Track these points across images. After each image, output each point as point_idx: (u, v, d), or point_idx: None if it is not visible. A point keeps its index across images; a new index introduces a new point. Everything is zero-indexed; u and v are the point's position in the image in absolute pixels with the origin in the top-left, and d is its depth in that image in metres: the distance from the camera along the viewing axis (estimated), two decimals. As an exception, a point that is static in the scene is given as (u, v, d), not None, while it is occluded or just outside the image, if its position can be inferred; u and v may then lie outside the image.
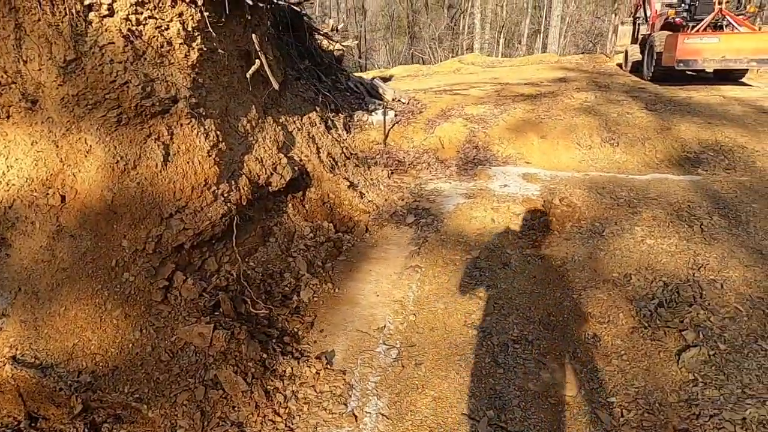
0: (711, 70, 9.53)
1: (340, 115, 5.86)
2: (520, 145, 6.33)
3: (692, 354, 2.83)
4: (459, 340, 3.07)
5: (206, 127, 3.37)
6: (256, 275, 3.38)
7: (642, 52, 11.05)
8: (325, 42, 7.40)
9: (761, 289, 3.41)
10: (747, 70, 9.53)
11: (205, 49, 3.41)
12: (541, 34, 35.05)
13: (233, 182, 3.49)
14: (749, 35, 8.68)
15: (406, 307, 3.40)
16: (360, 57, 54.38)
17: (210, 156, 3.32)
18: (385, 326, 3.21)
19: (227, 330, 2.74)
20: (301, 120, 4.89)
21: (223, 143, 3.49)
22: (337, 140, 5.30)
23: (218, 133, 3.46)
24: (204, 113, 3.42)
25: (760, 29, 9.10)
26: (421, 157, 5.90)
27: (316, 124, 5.09)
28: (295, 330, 3.14)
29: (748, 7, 9.39)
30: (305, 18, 5.84)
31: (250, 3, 3.46)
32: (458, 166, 5.79)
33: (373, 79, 8.74)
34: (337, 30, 7.97)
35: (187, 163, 3.18)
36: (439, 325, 3.20)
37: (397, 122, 6.52)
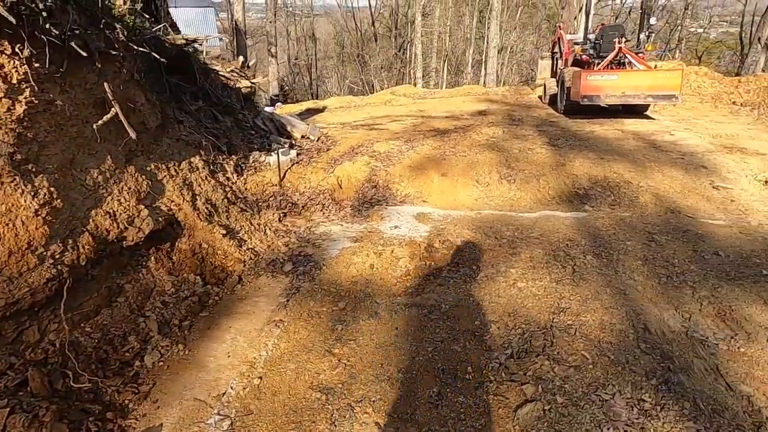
0: (620, 104, 10.01)
1: (232, 156, 5.72)
2: (421, 183, 6.37)
3: (527, 410, 2.80)
4: (300, 405, 2.93)
5: (36, 184, 3.16)
6: (90, 342, 3.14)
7: (558, 86, 11.54)
8: (234, 80, 7.29)
9: (614, 333, 3.46)
10: (649, 104, 10.07)
11: (36, 101, 3.22)
12: (483, 64, 36.34)
13: (70, 241, 3.27)
14: (646, 72, 9.21)
15: (255, 368, 3.24)
16: (310, 85, 54.84)
17: (38, 215, 3.10)
18: (226, 392, 3.04)
19: (29, 413, 2.50)
20: (178, 165, 4.72)
21: (59, 200, 3.28)
22: (222, 184, 5.15)
23: (52, 189, 3.25)
24: (35, 169, 3.21)
25: (656, 67, 9.67)
26: (316, 198, 5.82)
27: (197, 169, 4.93)
28: (126, 402, 2.92)
29: (646, 45, 9.98)
30: (196, 59, 5.72)
31: (85, 54, 3.31)
32: (353, 207, 5.74)
33: (286, 114, 8.67)
34: (247, 66, 7.89)
35: (7, 225, 2.95)
36: (284, 389, 3.06)
37: (298, 162, 6.44)
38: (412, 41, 37.59)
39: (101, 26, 3.69)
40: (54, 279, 3.04)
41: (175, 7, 19.30)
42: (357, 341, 3.47)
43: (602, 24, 10.39)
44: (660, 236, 4.98)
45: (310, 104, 16.12)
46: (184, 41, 5.43)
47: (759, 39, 25.24)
